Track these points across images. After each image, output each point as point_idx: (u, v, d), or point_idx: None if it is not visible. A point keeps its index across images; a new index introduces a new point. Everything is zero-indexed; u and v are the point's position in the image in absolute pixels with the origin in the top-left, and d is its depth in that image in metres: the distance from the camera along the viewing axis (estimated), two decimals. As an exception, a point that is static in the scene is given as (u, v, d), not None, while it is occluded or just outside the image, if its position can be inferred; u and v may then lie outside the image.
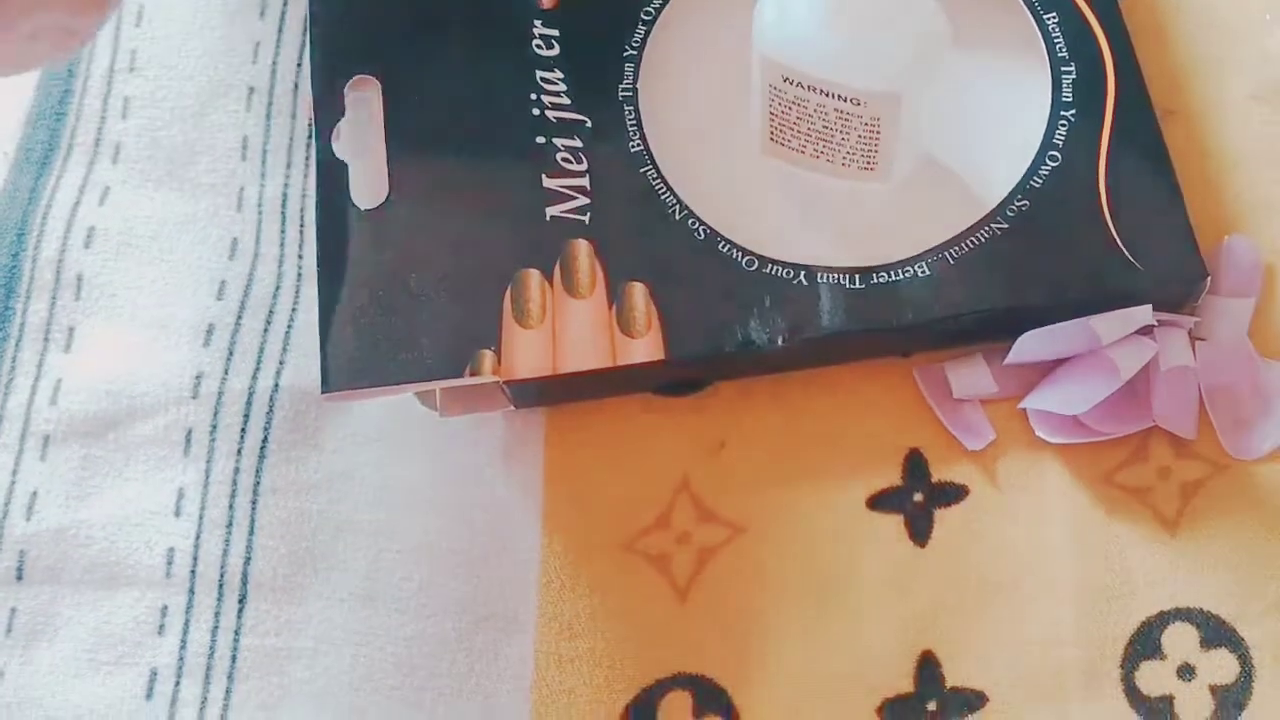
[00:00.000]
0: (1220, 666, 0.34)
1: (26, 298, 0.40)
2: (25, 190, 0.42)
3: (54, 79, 0.44)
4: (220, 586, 0.37)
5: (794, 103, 0.35)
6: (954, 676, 0.34)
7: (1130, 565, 0.35)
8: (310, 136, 0.42)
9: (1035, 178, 0.37)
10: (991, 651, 0.35)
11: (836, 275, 0.36)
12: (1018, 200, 0.37)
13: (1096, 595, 0.35)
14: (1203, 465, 0.36)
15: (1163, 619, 0.35)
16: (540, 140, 0.38)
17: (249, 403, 0.39)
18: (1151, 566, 0.35)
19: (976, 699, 0.34)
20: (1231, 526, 0.35)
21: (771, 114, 0.36)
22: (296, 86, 0.43)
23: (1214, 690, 0.34)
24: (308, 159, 0.42)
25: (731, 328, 0.36)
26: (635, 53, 0.39)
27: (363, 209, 0.37)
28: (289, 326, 0.40)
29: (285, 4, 0.45)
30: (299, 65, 0.43)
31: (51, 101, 0.43)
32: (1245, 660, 0.34)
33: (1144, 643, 0.34)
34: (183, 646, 0.36)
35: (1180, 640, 0.34)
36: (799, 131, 0.36)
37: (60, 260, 0.41)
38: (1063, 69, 0.38)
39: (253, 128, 0.43)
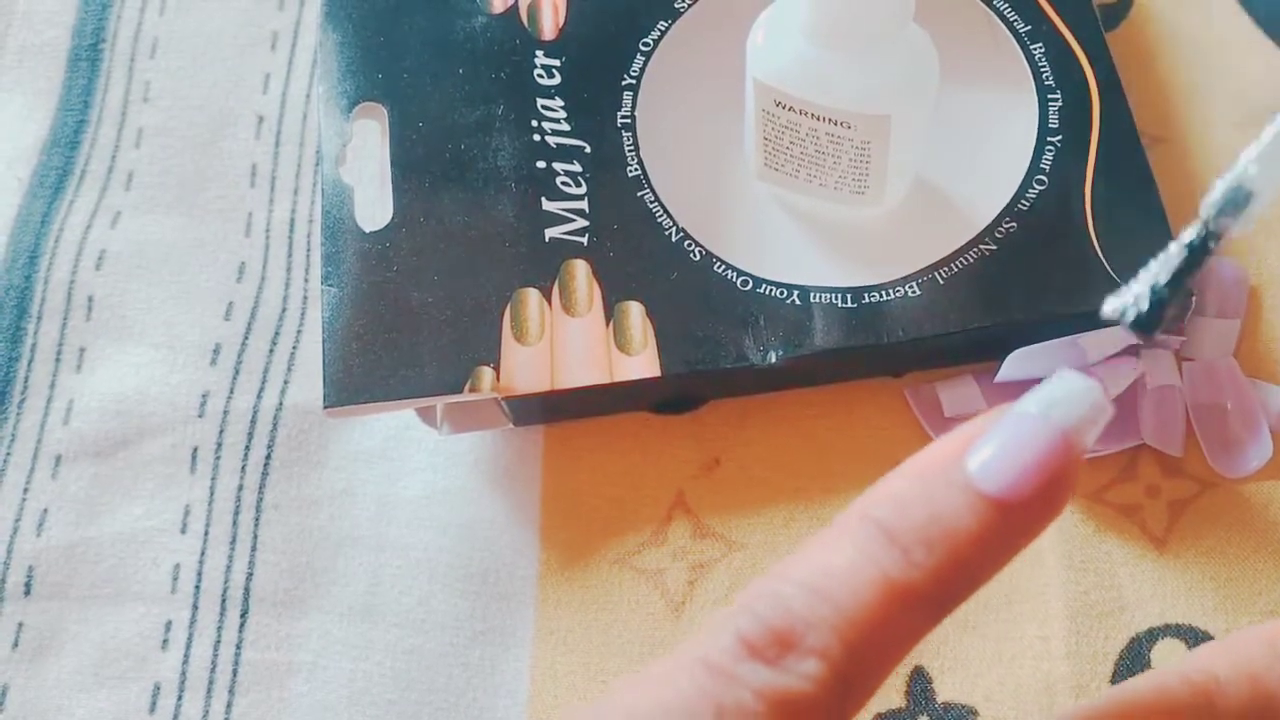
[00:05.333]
0: (1209, 682, 0.34)
1: (38, 319, 0.41)
2: (38, 215, 0.43)
3: (70, 108, 0.45)
4: (223, 601, 0.37)
5: (787, 127, 0.36)
6: (945, 692, 0.35)
7: (1120, 582, 0.36)
8: (317, 163, 0.43)
9: (1023, 201, 0.38)
10: (982, 667, 0.35)
11: (829, 295, 0.37)
12: (1006, 222, 0.37)
13: (1086, 612, 0.35)
14: (1190, 483, 0.36)
15: (1152, 635, 0.35)
16: (541, 165, 0.39)
17: (253, 421, 0.39)
18: (1141, 583, 0.35)
19: (967, 714, 0.34)
20: (1219, 543, 0.36)
21: (765, 138, 0.37)
22: (305, 116, 0.44)
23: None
24: (315, 185, 0.43)
25: (726, 345, 0.36)
26: (634, 81, 0.40)
27: (367, 230, 0.38)
28: (294, 347, 0.40)
29: (295, 37, 0.46)
30: (308, 96, 0.45)
31: (67, 130, 0.45)
32: (1234, 676, 0.34)
33: (1133, 659, 0.35)
34: (185, 661, 0.37)
35: (1170, 656, 0.35)
36: (792, 156, 0.37)
37: (72, 282, 0.42)
38: (1049, 96, 0.39)
39: (261, 155, 0.44)
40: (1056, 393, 0.22)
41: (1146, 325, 0.22)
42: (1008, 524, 0.21)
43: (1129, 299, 0.22)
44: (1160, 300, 0.22)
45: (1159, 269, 0.22)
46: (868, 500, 0.22)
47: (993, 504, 0.21)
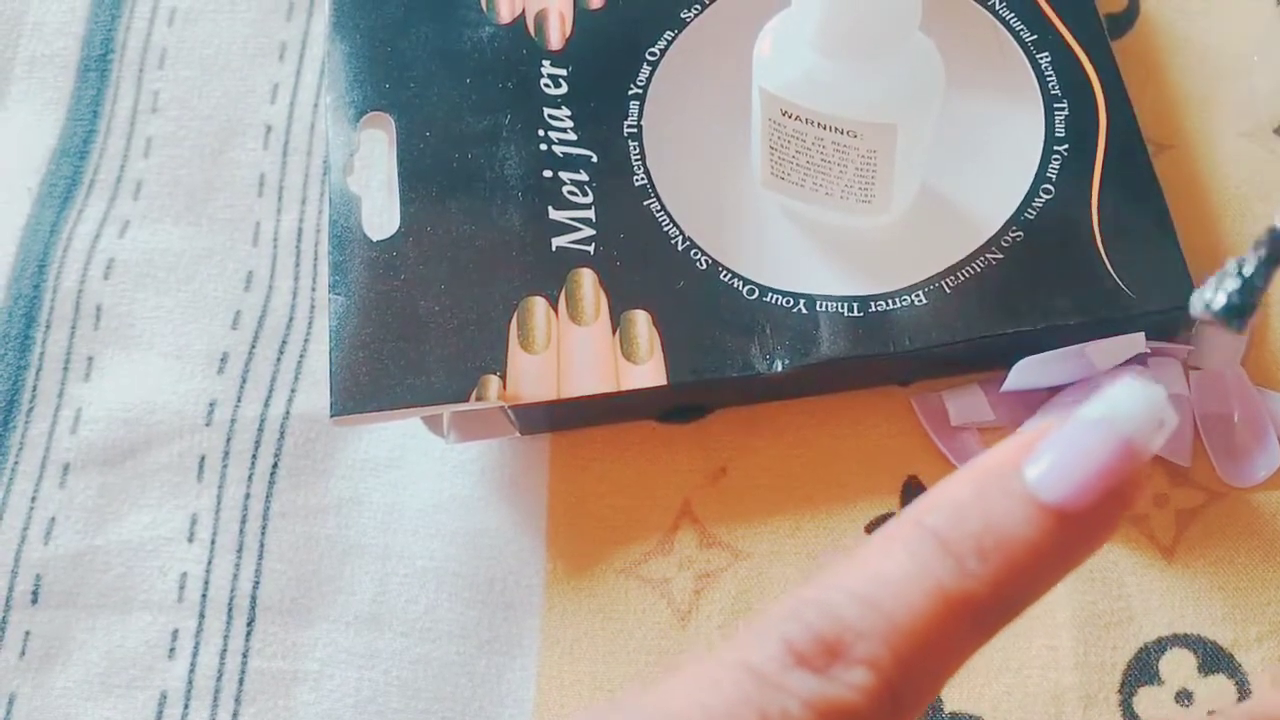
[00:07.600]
0: (1218, 692, 0.34)
1: (47, 328, 0.41)
2: (47, 224, 0.43)
3: (79, 119, 0.45)
4: (229, 610, 0.37)
5: (793, 136, 0.36)
6: (952, 702, 0.35)
7: (1128, 592, 0.35)
8: (324, 173, 0.43)
9: (1029, 209, 0.38)
10: (989, 677, 0.35)
11: (835, 304, 0.37)
12: (1012, 231, 0.37)
13: (1094, 622, 0.35)
14: (1198, 493, 0.36)
15: (1160, 645, 0.35)
16: (547, 174, 0.39)
17: (260, 430, 0.39)
18: (1149, 593, 0.35)
19: (975, 724, 0.34)
20: (1227, 553, 0.36)
21: (771, 148, 0.37)
22: (312, 126, 0.44)
23: (1213, 716, 0.34)
24: (322, 195, 0.43)
25: (732, 354, 0.36)
26: (640, 91, 0.40)
27: (374, 239, 0.38)
28: (301, 356, 0.41)
29: (303, 47, 0.46)
30: (315, 105, 0.45)
31: (76, 140, 0.45)
32: (1243, 686, 0.34)
33: (1142, 669, 0.35)
34: (192, 669, 0.37)
35: (1178, 666, 0.35)
36: (798, 165, 0.37)
37: (80, 291, 0.42)
38: (1055, 105, 0.39)
39: (269, 165, 0.44)
40: (1118, 399, 0.21)
41: (1239, 313, 0.21)
42: (1067, 534, 0.20)
43: (1218, 291, 0.22)
44: (1253, 288, 0.22)
45: (1247, 259, 0.22)
46: (922, 506, 0.21)
47: (1051, 514, 0.20)
